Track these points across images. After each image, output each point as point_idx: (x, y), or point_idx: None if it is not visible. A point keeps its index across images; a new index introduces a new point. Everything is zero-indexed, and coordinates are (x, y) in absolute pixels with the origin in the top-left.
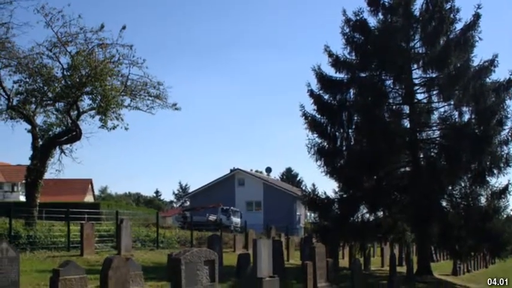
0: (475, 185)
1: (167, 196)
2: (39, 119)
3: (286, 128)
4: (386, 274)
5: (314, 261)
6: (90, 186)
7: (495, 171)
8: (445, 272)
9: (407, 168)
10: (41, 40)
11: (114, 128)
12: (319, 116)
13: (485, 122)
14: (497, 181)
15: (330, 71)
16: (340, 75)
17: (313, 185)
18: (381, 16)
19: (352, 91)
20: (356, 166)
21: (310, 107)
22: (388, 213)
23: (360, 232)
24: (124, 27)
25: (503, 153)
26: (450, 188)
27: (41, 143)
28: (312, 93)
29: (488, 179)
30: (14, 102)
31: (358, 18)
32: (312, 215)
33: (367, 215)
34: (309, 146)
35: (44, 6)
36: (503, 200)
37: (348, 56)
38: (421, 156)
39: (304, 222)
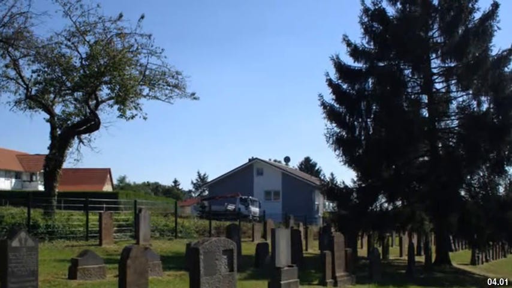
0: (494, 174)
1: (186, 186)
2: (57, 109)
3: (305, 118)
4: (404, 263)
5: (333, 251)
6: (108, 175)
7: None
8: (464, 261)
9: (426, 158)
10: (60, 30)
11: (132, 117)
12: (337, 106)
13: (503, 112)
14: None
15: (348, 60)
16: (358, 65)
17: (332, 174)
18: (399, 5)
19: (370, 80)
20: (375, 155)
21: (329, 97)
22: (407, 202)
23: (378, 221)
24: (142, 17)
25: None
26: (469, 177)
27: (59, 132)
28: (330, 83)
29: (506, 168)
30: (33, 92)
31: (376, 7)
32: (331, 204)
33: (386, 205)
34: (328, 135)
35: None
36: None
37: (367, 46)
38: (440, 145)
39: (323, 212)
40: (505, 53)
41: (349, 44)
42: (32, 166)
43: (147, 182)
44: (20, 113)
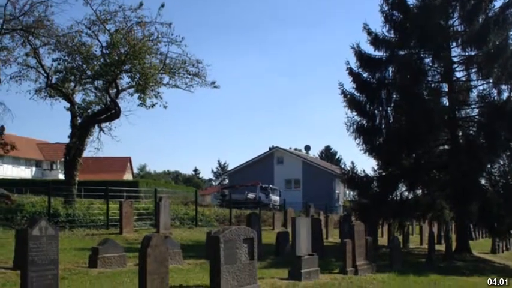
0: None
1: (206, 174)
2: (78, 97)
3: (326, 106)
4: (425, 252)
5: (353, 239)
6: (129, 164)
7: None
8: (484, 250)
9: (446, 146)
10: (80, 18)
11: (153, 106)
12: (358, 94)
13: None
14: None
15: (368, 49)
16: (379, 53)
17: (352, 163)
18: None
19: (391, 69)
20: (395, 144)
21: (349, 85)
22: (427, 191)
23: (398, 210)
24: (163, 5)
25: None
26: (489, 166)
27: (79, 121)
28: (351, 71)
29: None
30: (53, 81)
31: None
32: (351, 193)
33: (406, 193)
34: (348, 124)
35: None
36: None
37: (387, 34)
38: (460, 134)
39: (343, 200)
40: None
41: (369, 32)
42: (52, 155)
43: (168, 170)
44: (40, 102)
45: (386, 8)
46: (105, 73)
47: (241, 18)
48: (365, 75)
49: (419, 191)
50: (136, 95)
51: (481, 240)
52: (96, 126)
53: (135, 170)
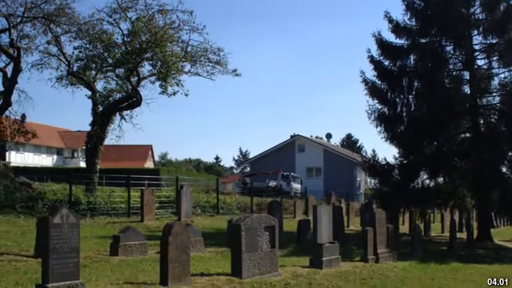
0: None
1: (227, 162)
2: (99, 85)
3: (347, 94)
4: (446, 240)
5: (374, 227)
6: (150, 152)
7: None
8: (506, 238)
9: (468, 134)
10: (101, 6)
11: (174, 94)
12: (379, 82)
13: None
14: None
15: (390, 37)
16: (400, 41)
17: (374, 151)
18: None
19: (412, 57)
20: (416, 132)
21: (371, 73)
22: (449, 179)
23: (420, 198)
24: None
25: None
26: (510, 154)
27: (101, 109)
28: (372, 60)
29: None
30: (75, 68)
31: None
32: (372, 181)
33: (428, 181)
34: (369, 112)
35: None
36: None
37: (408, 22)
38: (481, 122)
39: (364, 188)
40: None
41: (390, 20)
42: (73, 143)
43: (189, 158)
44: (61, 90)
45: None
46: (126, 61)
47: (262, 6)
48: (386, 63)
49: (440, 179)
50: (157, 83)
51: (502, 228)
52: (117, 114)
53: (157, 158)
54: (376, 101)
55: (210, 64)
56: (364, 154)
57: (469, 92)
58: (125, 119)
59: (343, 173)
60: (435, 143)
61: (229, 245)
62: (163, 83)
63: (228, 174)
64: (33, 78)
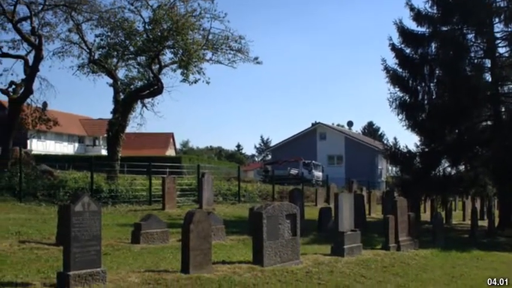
0: None
1: (249, 150)
2: (120, 73)
3: (368, 82)
4: (467, 228)
5: (396, 215)
6: (171, 140)
7: None
8: None
9: (489, 122)
10: None
11: (195, 81)
12: (400, 70)
13: None
14: None
15: (411, 25)
16: (421, 29)
17: (395, 138)
18: None
19: (433, 45)
20: (438, 120)
21: (392, 61)
22: (470, 167)
23: (441, 186)
24: None
25: None
26: None
27: (122, 96)
28: (393, 47)
29: None
30: (96, 56)
31: None
32: (394, 168)
33: (449, 169)
34: (391, 99)
35: None
36: None
37: (430, 10)
38: (503, 110)
39: (386, 176)
40: None
41: (412, 8)
42: (95, 130)
43: (210, 146)
44: (83, 77)
45: None
46: (147, 49)
47: None
48: (408, 51)
49: (462, 167)
50: (179, 71)
51: None
52: (139, 102)
53: (178, 146)
54: (397, 89)
55: (232, 52)
56: (385, 142)
57: (490, 80)
58: (146, 106)
59: (364, 161)
60: (457, 130)
61: (251, 233)
62: (185, 71)
63: (249, 162)
64: (55, 66)
